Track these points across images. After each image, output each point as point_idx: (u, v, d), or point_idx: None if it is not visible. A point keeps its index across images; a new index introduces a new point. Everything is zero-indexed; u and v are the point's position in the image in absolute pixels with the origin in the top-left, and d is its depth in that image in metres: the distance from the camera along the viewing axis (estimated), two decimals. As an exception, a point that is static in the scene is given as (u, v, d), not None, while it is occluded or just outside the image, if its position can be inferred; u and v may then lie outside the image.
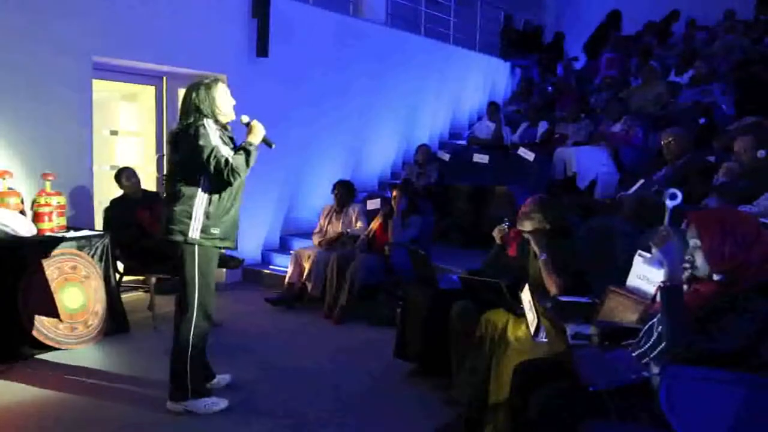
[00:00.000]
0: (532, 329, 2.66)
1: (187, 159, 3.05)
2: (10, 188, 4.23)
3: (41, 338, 3.93)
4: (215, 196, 3.07)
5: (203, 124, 3.02)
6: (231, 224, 3.17)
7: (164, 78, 5.87)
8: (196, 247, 3.08)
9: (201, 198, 3.05)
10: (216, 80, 3.17)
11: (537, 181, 6.04)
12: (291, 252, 5.66)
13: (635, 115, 6.39)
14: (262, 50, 6.10)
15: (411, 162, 7.28)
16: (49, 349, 3.98)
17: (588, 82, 9.19)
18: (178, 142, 3.10)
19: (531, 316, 2.70)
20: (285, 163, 6.38)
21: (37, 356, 3.91)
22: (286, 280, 5.39)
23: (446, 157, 7.25)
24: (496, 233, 3.60)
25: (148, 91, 5.93)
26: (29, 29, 4.53)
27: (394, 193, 5.33)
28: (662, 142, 4.71)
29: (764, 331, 1.95)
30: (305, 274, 5.26)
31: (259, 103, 5.97)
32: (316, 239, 5.62)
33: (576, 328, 2.65)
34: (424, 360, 3.67)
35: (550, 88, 9.76)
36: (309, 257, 5.27)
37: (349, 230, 5.48)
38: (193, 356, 3.13)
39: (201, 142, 2.98)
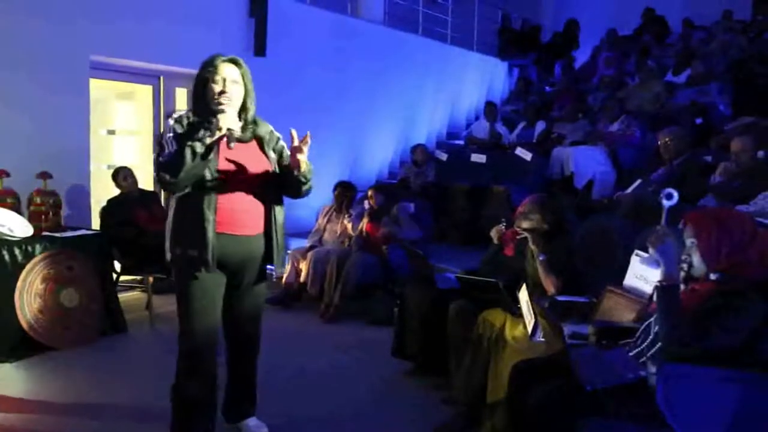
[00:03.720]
0: (530, 329, 2.66)
1: None
2: (6, 187, 4.22)
3: (37, 338, 3.93)
4: (178, 208, 2.52)
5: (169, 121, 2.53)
6: (188, 239, 2.47)
7: (161, 77, 5.86)
8: (175, 269, 2.59)
9: (171, 211, 2.56)
10: (210, 61, 2.54)
11: (534, 181, 6.06)
12: (288, 252, 5.65)
13: (633, 114, 6.40)
14: (260, 50, 6.09)
15: (408, 162, 7.29)
16: (46, 348, 3.97)
17: (586, 82, 9.20)
18: None
19: (528, 316, 2.70)
20: (282, 162, 6.38)
21: (32, 356, 3.89)
22: (284, 280, 5.38)
23: (444, 156, 7.26)
24: (493, 233, 3.60)
25: (145, 91, 5.93)
26: (26, 28, 4.52)
27: (369, 193, 5.44)
28: (659, 142, 4.72)
29: (760, 330, 1.96)
30: (303, 274, 5.26)
31: (256, 102, 5.97)
32: (311, 239, 5.62)
33: (573, 328, 2.66)
34: (422, 359, 3.66)
35: (547, 88, 9.77)
36: (306, 257, 5.27)
37: (352, 231, 5.49)
38: (176, 399, 2.62)
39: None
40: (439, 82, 8.97)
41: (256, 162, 2.59)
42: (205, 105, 2.48)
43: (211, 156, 2.40)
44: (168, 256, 2.55)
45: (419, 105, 8.59)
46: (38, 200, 4.33)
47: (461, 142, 8.37)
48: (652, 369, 2.05)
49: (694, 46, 8.45)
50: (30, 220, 4.22)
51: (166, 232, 2.56)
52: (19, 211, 4.21)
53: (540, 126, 7.29)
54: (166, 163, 2.38)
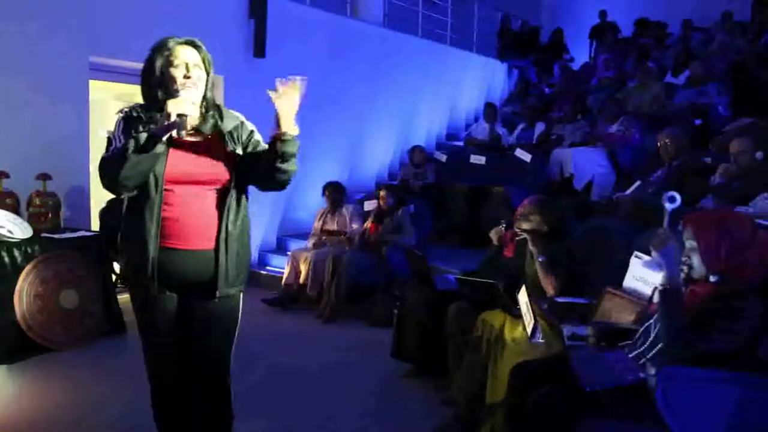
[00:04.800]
0: (529, 330, 2.66)
1: None
2: (5, 189, 4.22)
3: (37, 339, 3.92)
4: (125, 213, 2.17)
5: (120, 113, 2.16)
6: (131, 251, 2.13)
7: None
8: (128, 280, 2.27)
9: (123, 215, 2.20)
10: (161, 43, 2.14)
11: (534, 182, 6.05)
12: (288, 253, 5.66)
13: (632, 115, 6.40)
14: (260, 51, 6.09)
15: (407, 163, 7.29)
16: (45, 350, 3.97)
17: (585, 83, 9.21)
18: None
19: (528, 318, 2.70)
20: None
21: (32, 357, 3.89)
22: (283, 281, 5.39)
23: (443, 158, 7.26)
24: (493, 235, 3.60)
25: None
26: (26, 30, 4.51)
27: (382, 193, 5.45)
28: (659, 143, 4.71)
29: (760, 331, 1.96)
30: (302, 275, 5.26)
31: (256, 104, 5.96)
32: (311, 241, 5.64)
33: (573, 329, 2.65)
34: (422, 360, 3.67)
35: (547, 89, 9.78)
36: (306, 259, 5.27)
37: (348, 231, 5.51)
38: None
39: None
40: (439, 83, 8.97)
41: (214, 161, 2.13)
42: (155, 95, 2.11)
43: (160, 149, 1.99)
44: (122, 265, 2.23)
45: (419, 106, 8.60)
46: (38, 201, 4.32)
47: (461, 143, 8.38)
48: (652, 371, 2.05)
49: (694, 48, 8.46)
50: (29, 221, 4.22)
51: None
52: (18, 213, 4.21)
53: (539, 127, 7.29)
54: (108, 158, 2.02)
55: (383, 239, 5.24)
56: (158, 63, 2.10)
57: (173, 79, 2.08)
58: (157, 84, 2.10)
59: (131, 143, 1.95)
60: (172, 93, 2.06)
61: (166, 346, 2.21)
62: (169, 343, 2.20)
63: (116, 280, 4.79)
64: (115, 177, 1.97)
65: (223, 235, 2.14)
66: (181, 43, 2.13)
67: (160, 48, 2.12)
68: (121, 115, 2.13)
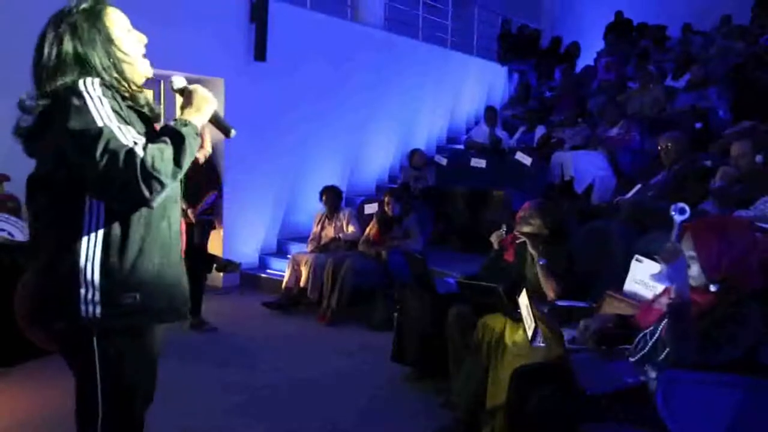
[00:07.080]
0: (530, 334, 2.66)
1: (54, 162, 1.63)
2: (6, 192, 4.22)
3: (37, 342, 3.91)
4: (116, 230, 1.56)
5: (79, 87, 1.55)
6: (159, 277, 1.60)
7: (162, 82, 5.87)
8: (95, 338, 1.62)
9: (90, 239, 1.55)
10: (102, 2, 1.76)
11: (534, 186, 6.06)
12: (289, 256, 5.66)
13: (632, 119, 6.40)
14: (260, 54, 6.11)
15: (408, 166, 7.30)
16: (45, 353, 3.95)
17: (586, 86, 9.21)
18: (34, 133, 1.69)
19: (528, 321, 2.70)
20: (282, 166, 6.39)
21: (31, 360, 3.88)
22: (284, 284, 5.39)
23: (444, 161, 7.26)
24: (493, 238, 3.60)
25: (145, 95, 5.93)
26: (26, 33, 4.52)
27: (386, 199, 5.37)
28: (659, 147, 4.72)
29: (760, 336, 1.95)
30: (303, 279, 5.26)
31: (256, 106, 5.99)
32: (310, 246, 5.66)
33: (573, 333, 2.65)
34: (422, 364, 3.66)
35: (547, 92, 9.79)
36: (307, 262, 5.27)
37: (341, 235, 5.52)
38: None
39: (73, 124, 1.50)
40: (439, 86, 8.99)
41: None
42: (123, 62, 1.71)
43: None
44: (93, 310, 1.58)
45: (419, 109, 8.61)
46: (38, 204, 4.32)
47: (461, 147, 8.39)
48: (652, 374, 2.04)
49: (694, 51, 8.47)
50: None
51: (89, 271, 1.56)
52: (19, 215, 4.21)
53: (540, 130, 7.30)
54: (170, 157, 1.48)
55: (391, 245, 5.20)
56: (102, 22, 1.76)
57: (135, 48, 1.74)
58: (108, 51, 1.71)
59: (189, 138, 1.53)
60: (130, 63, 1.73)
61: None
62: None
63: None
64: (167, 179, 1.48)
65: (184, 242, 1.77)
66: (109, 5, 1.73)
67: (103, 6, 1.75)
68: (95, 95, 1.55)
